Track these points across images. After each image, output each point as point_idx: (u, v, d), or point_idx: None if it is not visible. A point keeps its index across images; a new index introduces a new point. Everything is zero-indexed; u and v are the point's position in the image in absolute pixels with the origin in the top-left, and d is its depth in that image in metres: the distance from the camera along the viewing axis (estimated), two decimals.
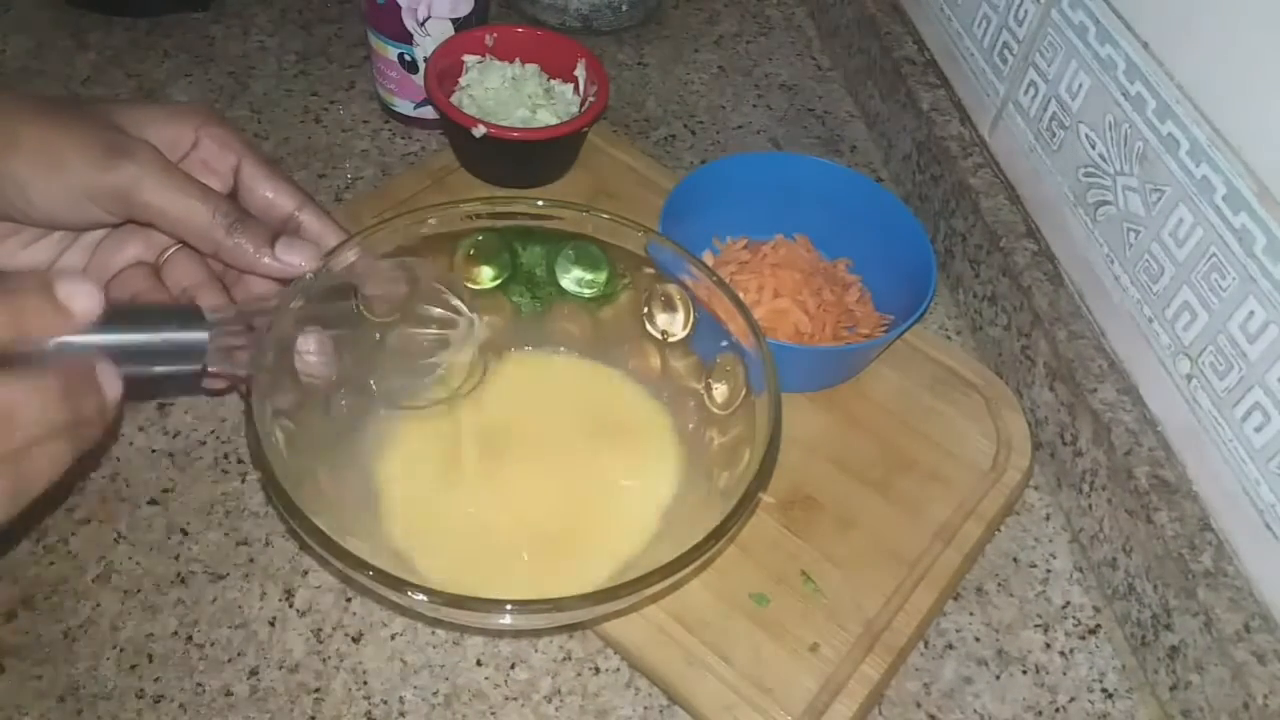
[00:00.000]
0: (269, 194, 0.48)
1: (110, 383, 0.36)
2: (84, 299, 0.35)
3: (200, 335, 0.40)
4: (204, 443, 0.55)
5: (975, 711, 0.49)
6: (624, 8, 0.83)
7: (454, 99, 0.67)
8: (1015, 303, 0.60)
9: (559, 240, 0.53)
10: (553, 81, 0.70)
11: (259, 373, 0.43)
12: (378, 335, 0.50)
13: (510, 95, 0.68)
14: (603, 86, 0.68)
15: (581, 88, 0.70)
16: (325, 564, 0.50)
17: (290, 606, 0.49)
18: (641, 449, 0.53)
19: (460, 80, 0.68)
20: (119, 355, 0.38)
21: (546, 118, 0.67)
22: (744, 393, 0.48)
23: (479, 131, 0.63)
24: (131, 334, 0.39)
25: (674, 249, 0.51)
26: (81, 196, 0.43)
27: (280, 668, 0.47)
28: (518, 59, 0.70)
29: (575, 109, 0.69)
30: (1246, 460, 0.46)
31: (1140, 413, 0.53)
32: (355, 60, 0.79)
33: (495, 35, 0.69)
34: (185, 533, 0.51)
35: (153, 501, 0.52)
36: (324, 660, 0.47)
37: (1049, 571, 0.54)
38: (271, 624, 0.48)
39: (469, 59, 0.69)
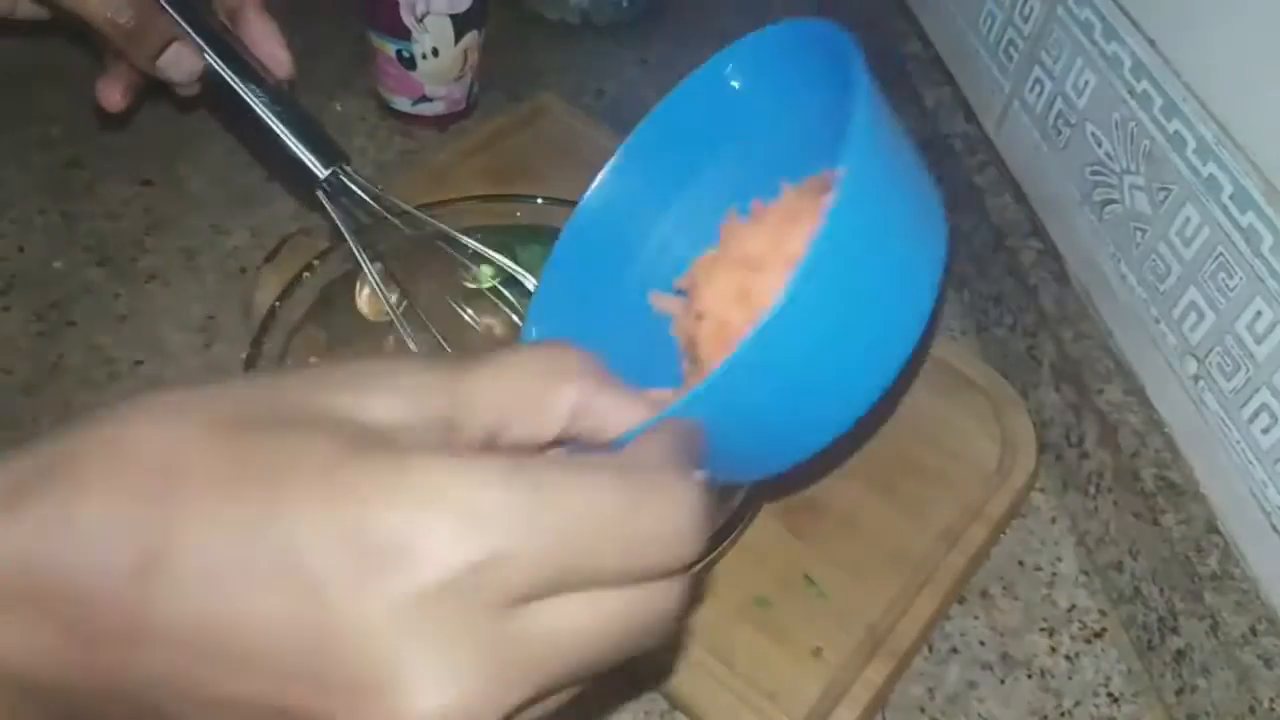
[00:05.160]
0: None
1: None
2: None
3: None
4: None
5: (980, 716, 0.48)
6: (624, 3, 0.83)
7: None
8: (1021, 302, 0.60)
9: (558, 240, 0.52)
10: None
11: None
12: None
13: None
14: None
15: None
16: None
17: None
18: None
19: None
20: None
21: None
22: None
23: None
24: None
25: None
26: None
27: None
28: None
29: None
30: (1254, 462, 0.46)
31: (1147, 414, 0.52)
32: (352, 57, 0.78)
33: None
34: None
35: None
36: None
37: (1054, 574, 0.54)
38: None
39: None
